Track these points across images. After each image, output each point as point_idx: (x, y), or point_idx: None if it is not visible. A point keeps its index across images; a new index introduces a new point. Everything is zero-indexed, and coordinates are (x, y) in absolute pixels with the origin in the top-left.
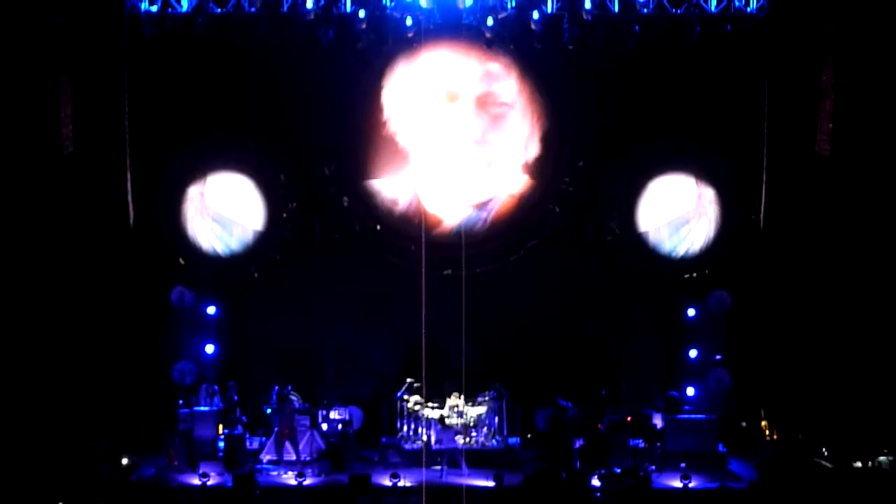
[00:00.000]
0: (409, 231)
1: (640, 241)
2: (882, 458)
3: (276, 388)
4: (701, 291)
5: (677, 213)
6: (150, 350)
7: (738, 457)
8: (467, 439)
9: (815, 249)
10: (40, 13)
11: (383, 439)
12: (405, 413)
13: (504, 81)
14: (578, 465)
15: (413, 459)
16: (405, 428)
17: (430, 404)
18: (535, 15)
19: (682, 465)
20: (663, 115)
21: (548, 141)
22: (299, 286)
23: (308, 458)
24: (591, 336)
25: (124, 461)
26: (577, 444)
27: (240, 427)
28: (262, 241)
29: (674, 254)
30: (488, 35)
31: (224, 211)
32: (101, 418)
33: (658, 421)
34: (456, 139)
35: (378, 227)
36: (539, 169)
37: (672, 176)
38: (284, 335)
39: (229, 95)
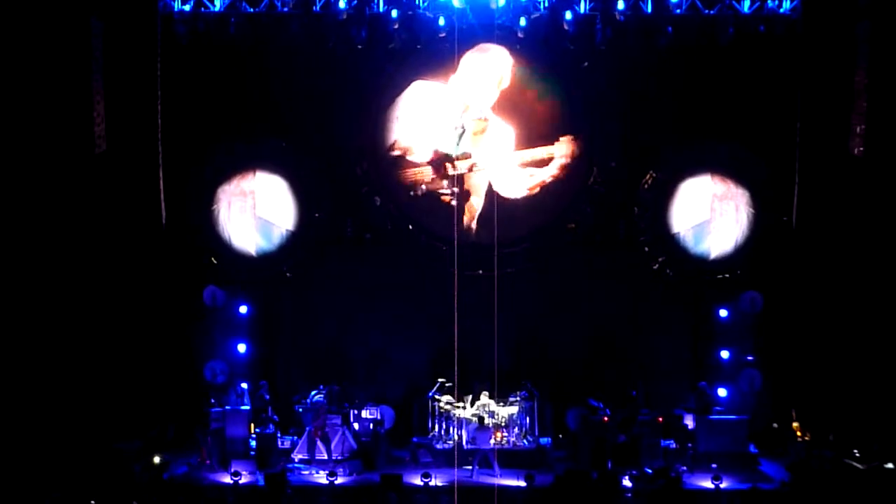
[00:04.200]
0: (441, 231)
1: (671, 241)
2: None
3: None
4: (733, 292)
5: (709, 213)
6: (182, 349)
7: (769, 457)
8: (499, 439)
9: (847, 250)
10: (73, 13)
11: (415, 439)
12: (436, 413)
13: (537, 82)
14: (610, 465)
15: (444, 459)
16: (436, 427)
17: (461, 404)
18: (568, 15)
19: (714, 465)
20: (696, 116)
21: (580, 142)
22: (331, 286)
23: (339, 458)
24: (622, 336)
25: (156, 460)
26: (609, 444)
27: (271, 426)
28: (294, 241)
29: (706, 254)
30: (521, 35)
31: (257, 210)
32: (133, 417)
33: (689, 421)
34: (489, 140)
35: (410, 226)
36: (571, 169)
37: (704, 177)
38: (316, 334)
39: (262, 95)
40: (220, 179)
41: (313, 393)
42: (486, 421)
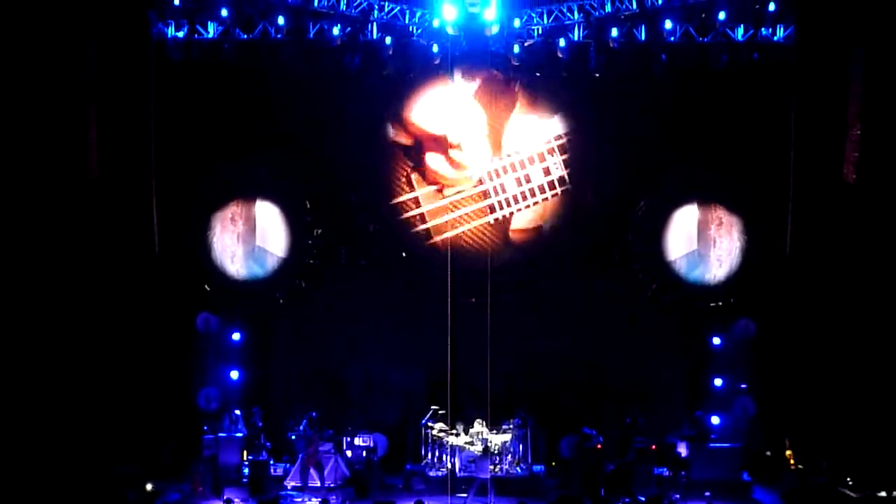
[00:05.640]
0: (434, 258)
1: (665, 268)
2: None
3: (313, 414)
4: (726, 320)
5: (702, 241)
6: (175, 376)
7: (762, 485)
8: (493, 467)
9: (840, 278)
10: (67, 39)
11: (408, 466)
12: (430, 440)
13: (531, 110)
14: (603, 493)
15: (437, 486)
16: (430, 455)
17: (454, 432)
18: (562, 43)
19: (707, 493)
20: (690, 143)
21: (574, 168)
22: (324, 313)
23: (332, 485)
24: (616, 364)
25: (149, 487)
26: (602, 471)
27: (264, 453)
28: (288, 268)
29: (699, 282)
30: (515, 63)
31: (250, 237)
32: (127, 444)
33: (683, 449)
34: (482, 165)
35: (404, 253)
36: (565, 196)
37: (698, 204)
38: (309, 362)
39: (255, 121)
40: (214, 205)
41: (306, 420)
42: (488, 449)
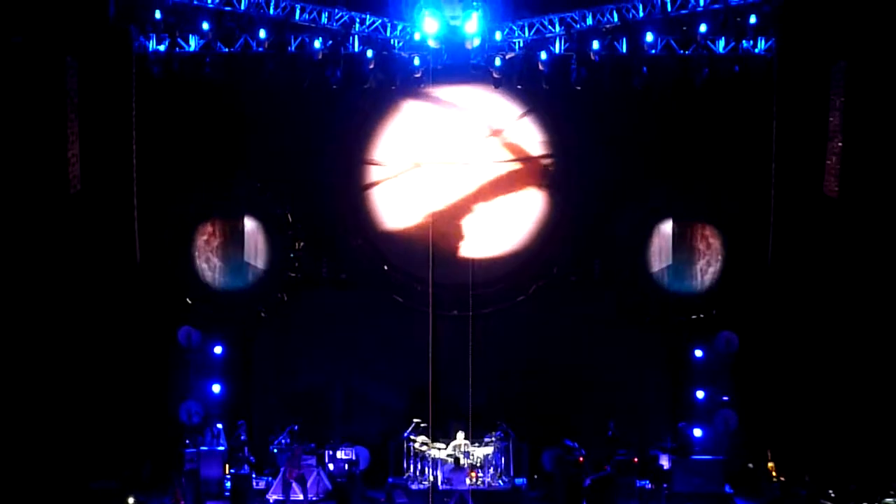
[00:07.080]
0: (416, 271)
1: (647, 281)
2: (888, 500)
3: (295, 427)
4: (708, 332)
5: (684, 253)
6: (156, 389)
7: (744, 498)
8: (474, 480)
9: (822, 290)
10: (48, 52)
11: (390, 479)
12: (412, 453)
13: (513, 123)
14: None
15: (419, 500)
16: (412, 468)
17: (436, 445)
18: (543, 55)
19: None
20: (671, 156)
21: (556, 181)
22: (306, 326)
23: (314, 498)
24: (598, 376)
25: (130, 501)
26: (584, 484)
27: (246, 467)
28: (270, 281)
29: (681, 294)
30: (496, 75)
31: (231, 250)
32: (108, 457)
33: (665, 462)
34: (465, 180)
35: (385, 267)
36: (547, 209)
37: (679, 216)
38: (291, 375)
39: (237, 134)
40: (196, 219)
41: (288, 434)
42: (462, 461)
